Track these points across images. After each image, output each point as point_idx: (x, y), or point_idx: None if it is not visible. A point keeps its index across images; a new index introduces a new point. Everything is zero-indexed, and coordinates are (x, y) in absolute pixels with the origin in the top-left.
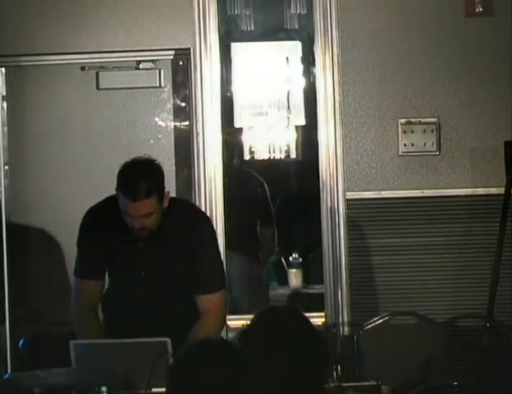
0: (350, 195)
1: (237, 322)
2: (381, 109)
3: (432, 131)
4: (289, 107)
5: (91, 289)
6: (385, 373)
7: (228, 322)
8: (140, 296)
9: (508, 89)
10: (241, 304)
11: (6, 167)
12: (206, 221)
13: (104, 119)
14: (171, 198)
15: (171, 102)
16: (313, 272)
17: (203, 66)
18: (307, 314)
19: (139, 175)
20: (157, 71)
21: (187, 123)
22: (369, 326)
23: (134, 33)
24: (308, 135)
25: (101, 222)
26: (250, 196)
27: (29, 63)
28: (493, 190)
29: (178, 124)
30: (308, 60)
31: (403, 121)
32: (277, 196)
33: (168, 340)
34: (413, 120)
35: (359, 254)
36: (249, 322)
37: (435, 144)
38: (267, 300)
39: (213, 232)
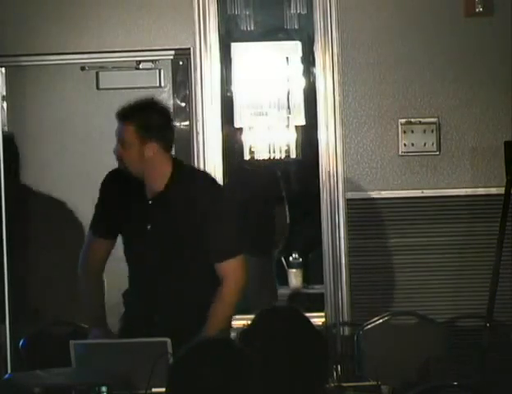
0: (350, 195)
1: (239, 322)
2: (381, 109)
3: (432, 131)
4: (289, 107)
5: (101, 247)
6: (385, 373)
7: None
8: (145, 252)
9: (508, 89)
10: (250, 304)
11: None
12: (219, 188)
13: (104, 119)
14: (183, 163)
15: (171, 102)
16: (313, 272)
17: (203, 66)
18: (307, 314)
19: (135, 102)
20: (157, 70)
21: (187, 123)
22: (369, 326)
23: (134, 33)
24: (308, 135)
25: (117, 183)
26: (261, 191)
27: (29, 63)
28: (493, 190)
29: (178, 124)
30: (308, 60)
31: (403, 121)
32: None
33: (168, 340)
34: (413, 120)
35: (359, 254)
36: (249, 322)
37: (435, 144)
38: (275, 299)
39: (225, 199)
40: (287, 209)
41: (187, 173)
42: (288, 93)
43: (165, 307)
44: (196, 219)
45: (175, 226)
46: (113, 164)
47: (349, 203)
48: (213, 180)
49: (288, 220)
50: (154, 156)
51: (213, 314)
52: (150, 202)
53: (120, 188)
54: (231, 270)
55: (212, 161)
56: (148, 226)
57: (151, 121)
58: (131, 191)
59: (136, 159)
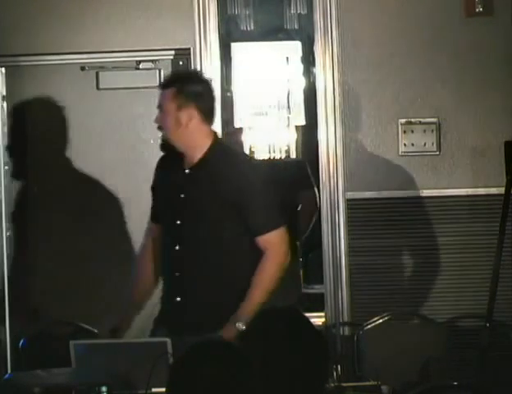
0: (350, 195)
1: None
2: (381, 109)
3: (432, 131)
4: (289, 107)
5: (155, 232)
6: (385, 373)
7: None
8: (176, 222)
9: (508, 89)
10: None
11: (7, 167)
12: (256, 163)
13: (104, 119)
14: (221, 142)
15: None
16: (313, 272)
17: (203, 66)
18: (307, 314)
19: (179, 71)
20: (157, 71)
21: None
22: (369, 326)
23: (134, 33)
24: (308, 135)
25: (164, 166)
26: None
27: (28, 63)
28: (493, 190)
29: None
30: (308, 60)
31: (403, 121)
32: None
33: (168, 340)
34: (413, 120)
35: (359, 254)
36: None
37: (435, 144)
38: (299, 298)
39: (263, 175)
40: (317, 192)
41: (226, 148)
42: (288, 93)
43: (195, 283)
44: (232, 192)
45: (208, 197)
46: (112, 164)
47: (349, 203)
48: (250, 156)
49: (318, 204)
50: (192, 123)
51: (255, 286)
52: (186, 171)
53: (165, 170)
54: (275, 242)
55: None
56: (182, 195)
57: (189, 87)
58: (172, 167)
59: (173, 125)
